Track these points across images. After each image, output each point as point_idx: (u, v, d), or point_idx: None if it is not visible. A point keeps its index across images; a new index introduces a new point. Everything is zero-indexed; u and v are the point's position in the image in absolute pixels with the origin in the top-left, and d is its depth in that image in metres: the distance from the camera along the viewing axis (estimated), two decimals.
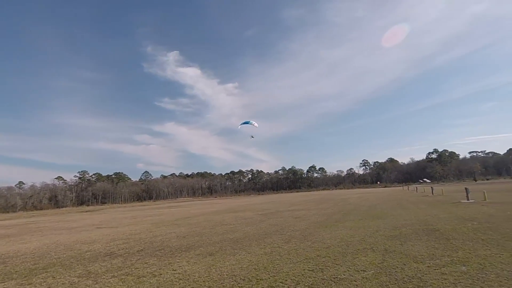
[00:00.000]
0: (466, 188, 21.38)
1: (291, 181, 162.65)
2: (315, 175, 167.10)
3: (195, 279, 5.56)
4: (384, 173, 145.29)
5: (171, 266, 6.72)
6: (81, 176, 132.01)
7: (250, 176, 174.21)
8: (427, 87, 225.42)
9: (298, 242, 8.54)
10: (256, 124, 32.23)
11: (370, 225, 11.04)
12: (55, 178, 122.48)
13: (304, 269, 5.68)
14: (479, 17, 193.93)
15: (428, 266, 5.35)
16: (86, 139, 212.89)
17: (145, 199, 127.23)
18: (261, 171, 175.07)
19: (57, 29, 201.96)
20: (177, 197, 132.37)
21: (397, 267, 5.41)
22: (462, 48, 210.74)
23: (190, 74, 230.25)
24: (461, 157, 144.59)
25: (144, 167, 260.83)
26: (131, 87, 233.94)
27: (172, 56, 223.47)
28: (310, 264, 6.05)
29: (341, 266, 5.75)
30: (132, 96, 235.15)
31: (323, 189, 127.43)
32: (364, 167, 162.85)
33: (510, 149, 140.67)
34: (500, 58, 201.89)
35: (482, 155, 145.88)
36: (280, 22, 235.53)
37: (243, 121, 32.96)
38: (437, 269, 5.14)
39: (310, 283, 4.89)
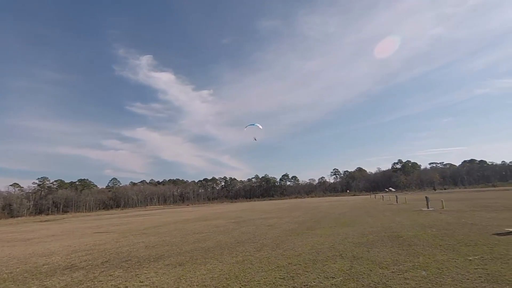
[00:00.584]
0: (426, 197, 22.83)
1: (264, 189, 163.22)
2: (288, 183, 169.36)
3: None
4: (353, 182, 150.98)
5: (138, 277, 6.42)
6: (41, 183, 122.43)
7: (223, 183, 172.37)
8: (393, 101, 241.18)
9: (270, 250, 8.57)
10: (260, 126, 33.95)
11: (340, 233, 11.37)
12: (10, 185, 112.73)
13: (275, 277, 5.71)
14: (438, 39, 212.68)
15: (392, 272, 5.62)
16: (47, 143, 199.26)
17: (112, 207, 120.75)
18: (234, 179, 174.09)
19: (19, 26, 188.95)
20: (147, 205, 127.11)
21: (364, 273, 5.62)
22: (423, 67, 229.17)
23: (163, 79, 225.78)
24: (422, 167, 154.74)
25: (112, 173, 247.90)
26: (100, 90, 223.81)
27: (145, 60, 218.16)
28: (282, 272, 6.09)
29: (311, 273, 5.85)
30: (101, 99, 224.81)
31: (296, 197, 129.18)
32: (335, 175, 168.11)
33: (464, 161, 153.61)
34: (455, 78, 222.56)
35: (441, 166, 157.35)
36: (256, 32, 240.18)
37: (250, 124, 34.68)
38: (400, 274, 5.41)
39: None
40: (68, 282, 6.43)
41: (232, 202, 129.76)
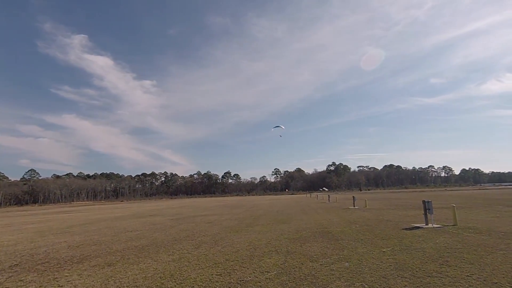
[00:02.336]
0: (353, 197, 25.50)
1: (205, 185, 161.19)
2: (230, 181, 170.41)
3: None
4: (292, 182, 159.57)
5: (57, 281, 5.73)
6: None
7: (163, 179, 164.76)
8: (330, 108, 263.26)
9: (208, 247, 8.53)
10: (283, 127, 41.42)
11: (277, 229, 11.93)
12: None
13: (212, 274, 5.71)
14: (369, 56, 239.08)
15: (320, 264, 6.13)
16: None
17: (28, 203, 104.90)
18: (176, 174, 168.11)
19: None
20: (73, 201, 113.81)
21: (296, 267, 6.01)
22: (356, 80, 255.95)
23: (100, 64, 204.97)
24: (352, 170, 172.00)
25: (29, 164, 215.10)
26: (18, 67, 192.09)
27: (78, 39, 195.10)
28: (219, 268, 6.13)
29: (248, 269, 6.03)
30: (19, 77, 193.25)
31: (237, 195, 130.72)
32: (275, 175, 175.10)
33: (385, 165, 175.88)
34: (381, 93, 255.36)
35: (367, 170, 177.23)
36: (205, 27, 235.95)
37: (275, 126, 39.90)
38: (327, 266, 5.95)
39: (217, 287, 4.95)
40: None
41: (172, 198, 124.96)
